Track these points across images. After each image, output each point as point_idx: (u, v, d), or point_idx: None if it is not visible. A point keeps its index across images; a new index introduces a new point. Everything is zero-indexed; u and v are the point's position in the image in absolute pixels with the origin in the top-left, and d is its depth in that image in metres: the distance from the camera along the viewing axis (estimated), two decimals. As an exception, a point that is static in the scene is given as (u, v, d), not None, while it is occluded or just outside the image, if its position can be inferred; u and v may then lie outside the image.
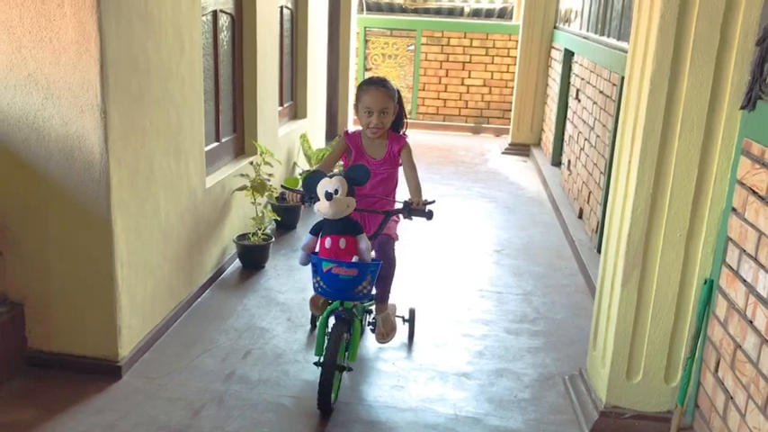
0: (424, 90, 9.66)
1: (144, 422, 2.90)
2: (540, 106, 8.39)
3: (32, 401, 3.00)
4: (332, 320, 3.06)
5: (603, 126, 5.10)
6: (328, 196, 2.82)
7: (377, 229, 3.18)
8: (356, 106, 3.32)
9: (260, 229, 4.53)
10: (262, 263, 4.56)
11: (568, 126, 6.78)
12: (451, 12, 9.94)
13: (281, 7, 5.65)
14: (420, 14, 9.92)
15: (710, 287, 2.72)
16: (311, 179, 2.96)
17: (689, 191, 2.70)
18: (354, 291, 2.91)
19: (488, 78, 9.51)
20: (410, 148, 3.35)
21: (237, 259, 4.59)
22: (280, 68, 5.62)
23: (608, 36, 5.36)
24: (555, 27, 8.05)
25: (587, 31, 6.21)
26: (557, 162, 7.37)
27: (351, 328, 3.07)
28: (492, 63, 9.45)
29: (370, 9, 9.91)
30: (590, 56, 5.82)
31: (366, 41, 9.59)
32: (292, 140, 5.93)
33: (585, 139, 5.76)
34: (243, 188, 4.48)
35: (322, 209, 2.87)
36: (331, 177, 2.90)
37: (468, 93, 9.59)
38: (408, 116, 3.69)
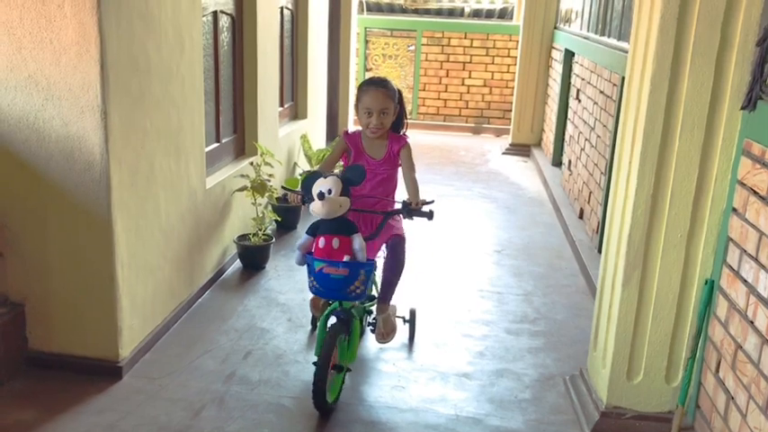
0: (424, 90, 9.67)
1: (144, 423, 2.90)
2: (540, 106, 8.39)
3: (33, 402, 3.00)
4: (332, 321, 3.06)
5: (604, 126, 5.10)
6: (320, 196, 2.85)
7: (375, 230, 3.18)
8: (356, 106, 3.32)
9: (260, 230, 4.53)
10: (262, 263, 4.56)
11: (569, 126, 6.78)
12: (452, 12, 9.94)
13: (282, 8, 5.65)
14: (420, 15, 9.92)
15: (711, 287, 2.72)
16: (308, 180, 2.98)
17: (689, 191, 2.70)
18: (346, 290, 2.90)
19: (489, 79, 9.51)
20: (410, 148, 3.35)
21: (238, 260, 4.59)
22: (280, 69, 5.62)
23: (608, 36, 5.36)
24: (555, 27, 8.05)
25: (588, 31, 6.21)
26: (557, 162, 7.37)
27: (349, 329, 3.07)
28: (492, 63, 9.45)
29: (370, 9, 9.91)
30: (590, 56, 5.82)
31: (366, 42, 9.59)
32: (293, 141, 5.93)
33: (586, 140, 5.76)
34: (243, 189, 4.48)
35: (315, 209, 2.89)
36: (326, 178, 2.91)
37: (468, 93, 9.59)
38: (409, 116, 3.69)
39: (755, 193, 2.41)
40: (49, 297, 3.16)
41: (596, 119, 5.41)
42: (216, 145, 4.44)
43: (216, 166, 4.42)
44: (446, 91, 9.63)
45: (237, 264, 4.59)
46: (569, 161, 6.49)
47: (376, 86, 3.25)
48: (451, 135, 9.50)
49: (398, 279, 3.37)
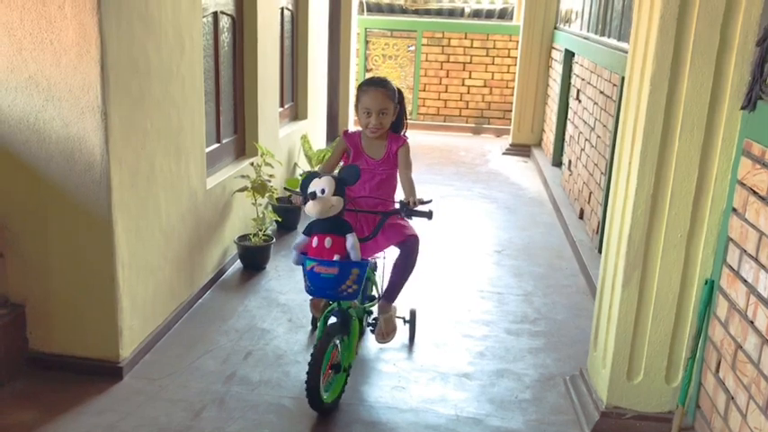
0: (424, 91, 9.67)
1: (145, 423, 2.90)
2: (540, 107, 8.39)
3: (33, 403, 3.00)
4: (332, 321, 3.06)
5: (604, 126, 5.10)
6: (312, 195, 2.86)
7: (373, 230, 3.18)
8: (356, 106, 3.32)
9: (261, 230, 4.54)
10: (263, 264, 4.57)
11: (569, 126, 6.78)
12: (452, 12, 9.94)
13: (282, 8, 5.66)
14: (420, 15, 9.92)
15: (711, 287, 2.72)
16: (306, 180, 2.99)
17: (689, 191, 2.70)
18: (338, 289, 2.88)
19: (489, 79, 9.51)
20: (408, 148, 3.35)
21: (238, 260, 4.59)
22: (280, 69, 5.62)
23: (608, 36, 5.36)
24: (555, 28, 8.05)
25: (588, 31, 6.21)
26: (557, 162, 7.37)
27: (347, 329, 3.06)
28: (492, 64, 9.45)
29: (370, 10, 9.91)
30: (590, 56, 5.82)
31: (367, 42, 9.59)
32: (293, 141, 5.93)
33: (586, 140, 5.76)
34: (243, 189, 4.49)
35: (307, 208, 2.90)
36: (320, 178, 2.92)
37: (468, 93, 9.59)
38: (409, 117, 3.69)
39: (755, 193, 2.41)
40: (49, 298, 3.16)
41: (596, 119, 5.41)
42: (216, 145, 4.44)
43: (216, 166, 4.43)
44: (446, 91, 9.63)
45: (238, 264, 4.59)
46: (569, 161, 6.49)
47: (375, 86, 3.25)
48: (452, 135, 9.50)
49: (406, 280, 3.38)
